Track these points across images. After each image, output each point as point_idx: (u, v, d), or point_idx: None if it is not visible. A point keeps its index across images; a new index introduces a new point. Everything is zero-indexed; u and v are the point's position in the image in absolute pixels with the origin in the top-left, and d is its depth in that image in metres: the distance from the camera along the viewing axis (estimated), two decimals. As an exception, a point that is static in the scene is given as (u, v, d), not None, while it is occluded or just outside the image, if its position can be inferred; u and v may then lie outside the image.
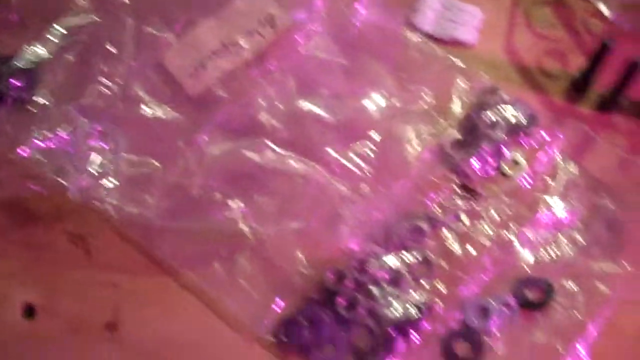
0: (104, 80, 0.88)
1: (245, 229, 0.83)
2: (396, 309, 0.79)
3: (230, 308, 0.81)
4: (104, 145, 0.86)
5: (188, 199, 0.84)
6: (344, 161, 0.86)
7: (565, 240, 0.83)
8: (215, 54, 0.91)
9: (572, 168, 0.87)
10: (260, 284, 0.82)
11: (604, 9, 0.91)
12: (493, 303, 0.80)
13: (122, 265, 0.84)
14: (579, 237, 0.83)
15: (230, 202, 0.84)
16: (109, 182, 0.84)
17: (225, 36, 0.91)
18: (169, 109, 0.88)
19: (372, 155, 0.86)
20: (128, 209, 0.83)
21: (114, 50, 0.90)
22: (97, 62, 0.89)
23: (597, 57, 0.88)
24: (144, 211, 0.83)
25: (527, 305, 0.80)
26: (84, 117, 0.87)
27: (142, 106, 0.88)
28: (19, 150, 0.84)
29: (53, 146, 0.85)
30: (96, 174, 0.84)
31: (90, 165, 0.85)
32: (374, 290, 0.80)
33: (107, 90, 0.88)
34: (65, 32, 0.91)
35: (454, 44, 0.96)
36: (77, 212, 0.84)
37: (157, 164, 0.86)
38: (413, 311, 0.79)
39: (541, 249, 0.83)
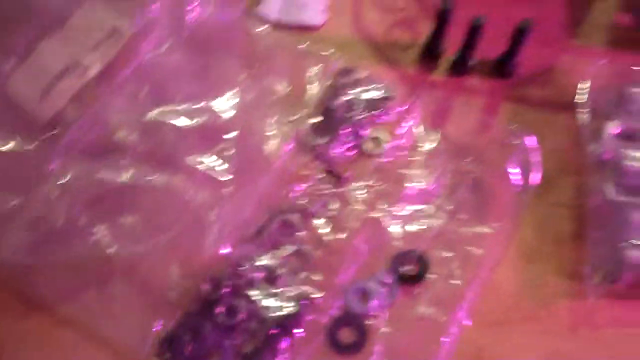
0: (-50, 121, 0.85)
1: (114, 252, 0.81)
2: (276, 308, 0.78)
3: (111, 336, 0.79)
4: (-44, 189, 0.83)
5: (52, 231, 0.81)
6: (205, 166, 0.84)
7: (434, 209, 0.84)
8: (61, 75, 0.88)
9: (433, 137, 0.87)
10: (137, 306, 0.80)
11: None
12: (371, 284, 0.80)
13: (-2, 313, 0.81)
14: (446, 204, 0.84)
15: (95, 228, 0.82)
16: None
17: (69, 55, 0.89)
18: (20, 139, 0.85)
19: (231, 154, 0.85)
20: (-10, 253, 0.81)
21: (-48, 87, 0.86)
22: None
23: (439, 22, 0.89)
24: (8, 251, 0.80)
25: (405, 280, 0.80)
26: None
27: (-6, 141, 0.85)
28: None
29: None
30: (-49, 218, 0.81)
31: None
32: (252, 292, 0.79)
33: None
34: None
35: (303, 29, 0.95)
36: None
37: (15, 200, 0.83)
38: (293, 306, 0.79)
39: (411, 222, 0.83)
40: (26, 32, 0.89)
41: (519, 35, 0.87)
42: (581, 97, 0.89)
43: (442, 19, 0.88)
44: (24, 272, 0.80)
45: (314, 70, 0.91)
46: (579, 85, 0.89)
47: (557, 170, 0.86)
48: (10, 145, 0.85)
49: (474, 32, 0.86)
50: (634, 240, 0.77)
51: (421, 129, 0.88)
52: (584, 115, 0.88)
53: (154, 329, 0.79)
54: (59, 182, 0.82)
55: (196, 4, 0.90)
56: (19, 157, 0.84)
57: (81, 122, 0.86)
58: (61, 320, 0.80)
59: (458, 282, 0.80)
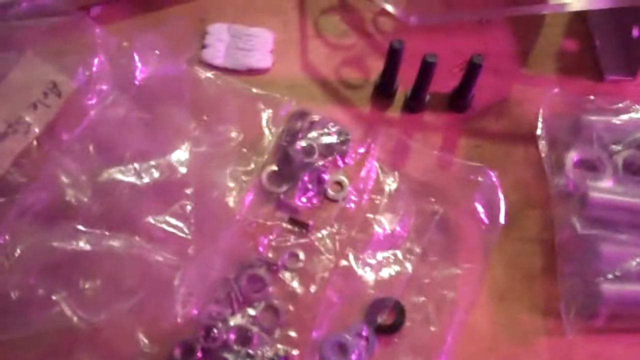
0: None
1: (75, 320, 0.76)
2: (253, 369, 0.76)
3: (78, 411, 0.75)
4: None
5: (6, 303, 0.77)
6: (163, 226, 0.81)
7: (402, 254, 0.82)
8: (1, 136, 0.83)
9: (394, 177, 0.86)
10: (105, 377, 0.77)
11: (388, 7, 0.90)
12: (348, 337, 0.78)
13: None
14: (415, 247, 0.83)
15: (53, 297, 0.77)
16: None
17: (8, 114, 0.85)
18: (-38, 208, 0.81)
19: (190, 211, 0.82)
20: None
21: None
22: None
23: (390, 60, 0.87)
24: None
25: (382, 330, 0.79)
26: None
27: None
28: None
29: None
30: None
31: None
32: (226, 355, 0.76)
33: None
34: None
35: (251, 72, 0.93)
36: None
37: (-38, 276, 0.78)
38: (270, 366, 0.76)
39: (382, 269, 0.82)
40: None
41: (472, 70, 0.86)
42: (538, 127, 0.89)
43: (393, 58, 0.86)
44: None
45: (265, 115, 0.89)
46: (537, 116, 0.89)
47: (521, 204, 0.86)
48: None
49: (426, 69, 0.85)
50: (607, 275, 0.77)
51: (381, 169, 0.86)
52: (543, 146, 0.88)
53: (126, 401, 0.75)
54: (10, 254, 0.78)
55: (139, 58, 0.87)
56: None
57: (31, 189, 0.81)
58: (24, 399, 0.76)
59: (434, 328, 0.79)
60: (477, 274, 0.82)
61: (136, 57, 0.86)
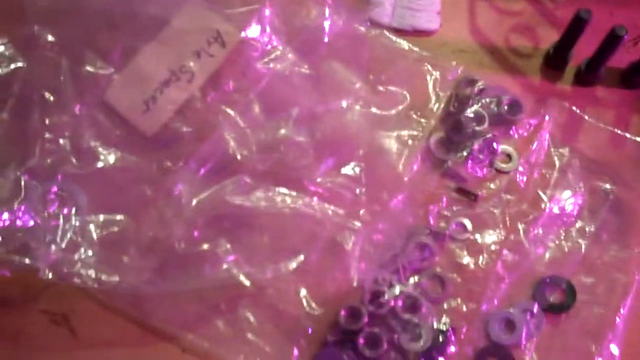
0: (48, 134, 0.79)
1: (241, 277, 0.75)
2: (420, 338, 0.75)
3: (245, 365, 0.75)
4: (65, 210, 0.77)
5: (172, 255, 0.76)
6: (331, 185, 0.79)
7: (574, 232, 0.80)
8: (164, 84, 0.82)
9: (565, 152, 0.83)
10: (270, 334, 0.76)
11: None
12: (516, 313, 0.76)
13: (114, 338, 0.76)
14: (587, 227, 0.80)
15: (219, 251, 0.76)
16: (81, 252, 0.76)
17: (172, 62, 0.83)
18: (126, 154, 0.80)
19: (360, 173, 0.80)
20: (108, 278, 0.75)
21: (52, 98, 0.80)
22: (37, 115, 0.80)
23: (572, 30, 0.84)
24: (126, 277, 0.75)
25: (551, 309, 0.77)
26: (35, 182, 0.77)
27: (98, 156, 0.79)
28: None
29: (9, 223, 0.75)
30: (64, 244, 0.76)
31: (56, 235, 0.76)
32: (393, 322, 0.75)
33: (54, 146, 0.79)
34: (-8, 86, 0.80)
35: (417, 33, 0.90)
36: (53, 288, 0.76)
37: (127, 219, 0.78)
38: (437, 337, 0.75)
39: (552, 245, 0.79)
40: (122, 38, 0.83)
41: (656, 45, 0.83)
42: None
43: (576, 28, 0.83)
44: (146, 299, 0.76)
45: (432, 78, 0.86)
46: None
47: (699, 189, 0.83)
48: (117, 159, 0.79)
49: (612, 41, 0.82)
50: None
51: (553, 143, 0.83)
52: None
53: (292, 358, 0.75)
54: (177, 203, 0.77)
55: (318, 13, 0.84)
56: (128, 173, 0.79)
57: (197, 141, 0.80)
58: (188, 349, 0.76)
59: (604, 310, 0.77)
60: (653, 259, 0.79)
61: (324, 13, 0.83)
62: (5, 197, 0.76)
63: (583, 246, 0.79)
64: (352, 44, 0.85)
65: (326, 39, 0.85)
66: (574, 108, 0.85)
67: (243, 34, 0.84)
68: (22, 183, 0.77)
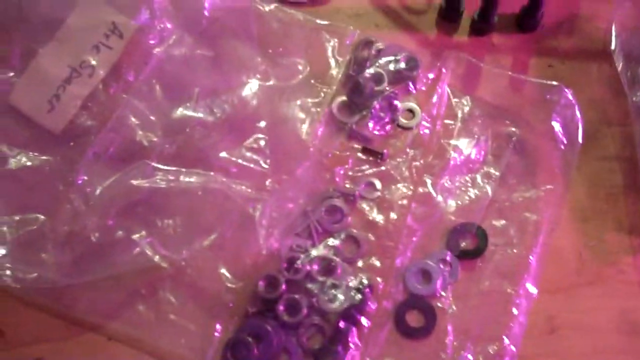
0: (-47, 144, 0.79)
1: (157, 258, 0.76)
2: (338, 299, 0.76)
3: (168, 347, 0.75)
4: (-22, 213, 0.78)
5: (88, 246, 0.77)
6: (239, 160, 0.80)
7: (481, 178, 0.81)
8: (66, 81, 0.83)
9: (466, 101, 0.85)
10: (192, 313, 0.77)
11: None
12: (431, 264, 0.78)
13: (41, 335, 0.77)
14: (492, 171, 0.81)
15: (134, 237, 0.77)
16: (-4, 252, 0.76)
17: (71, 59, 0.83)
18: (35, 154, 0.80)
19: (264, 145, 0.81)
20: (26, 275, 0.76)
21: (-48, 108, 0.81)
22: (-62, 126, 0.80)
23: (459, -18, 0.85)
24: (45, 272, 0.76)
25: (465, 255, 0.78)
26: (-57, 189, 0.78)
27: (7, 159, 0.80)
28: None
29: None
30: (-22, 248, 0.76)
31: (-30, 239, 0.76)
32: (311, 286, 0.76)
33: (-40, 154, 0.80)
34: None
35: (312, 3, 0.91)
36: (-24, 293, 0.77)
37: (42, 217, 0.78)
38: (355, 296, 0.76)
39: (460, 193, 0.81)
40: (19, 41, 0.83)
41: (543, -14, 0.84)
42: (612, 42, 0.86)
43: (461, -22, 0.84)
44: (67, 292, 0.76)
45: (330, 45, 0.87)
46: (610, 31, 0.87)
47: (599, 122, 0.85)
48: (27, 160, 0.80)
49: (497, -13, 0.83)
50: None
51: (453, 94, 0.85)
52: (618, 62, 0.85)
53: (215, 335, 0.75)
54: (90, 195, 0.78)
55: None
56: (38, 172, 0.80)
57: (104, 131, 0.81)
58: (114, 336, 0.76)
59: (517, 250, 0.79)
60: (558, 195, 0.81)
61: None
62: None
63: (490, 190, 0.81)
64: (239, 18, 0.86)
65: (206, 14, 0.85)
66: (470, 57, 0.86)
67: (137, 23, 0.84)
68: None
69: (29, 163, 0.80)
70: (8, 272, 0.75)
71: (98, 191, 0.77)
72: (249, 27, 0.85)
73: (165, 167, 0.79)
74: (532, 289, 0.77)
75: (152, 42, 0.84)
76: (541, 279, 0.77)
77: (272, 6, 0.88)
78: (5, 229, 0.78)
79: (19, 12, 0.83)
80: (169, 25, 0.84)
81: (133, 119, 0.81)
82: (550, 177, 0.81)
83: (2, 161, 0.80)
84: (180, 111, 0.82)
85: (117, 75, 0.84)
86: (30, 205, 0.79)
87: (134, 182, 0.78)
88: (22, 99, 0.82)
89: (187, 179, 0.78)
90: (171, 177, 0.78)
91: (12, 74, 0.82)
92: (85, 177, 0.78)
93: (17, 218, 0.78)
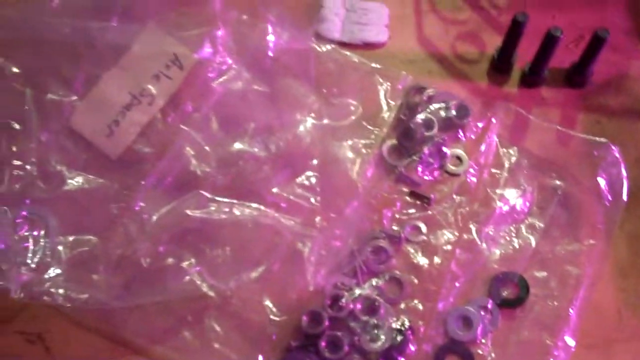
0: (15, 161, 0.82)
1: (205, 288, 0.79)
2: (379, 339, 0.78)
3: (211, 376, 0.78)
4: (35, 232, 0.80)
5: (139, 270, 0.79)
6: (290, 196, 0.82)
7: (525, 228, 0.83)
8: (126, 107, 0.86)
9: (513, 151, 0.86)
10: (235, 343, 0.79)
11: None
12: (472, 310, 0.79)
13: (87, 355, 0.79)
14: (537, 222, 0.83)
15: (183, 265, 0.80)
16: (50, 271, 0.79)
17: (132, 86, 0.86)
18: (92, 176, 0.83)
19: (315, 182, 0.83)
20: (78, 295, 0.78)
21: (18, 127, 0.84)
22: (4, 143, 0.83)
23: (511, 34, 0.87)
24: (96, 293, 0.78)
25: (506, 304, 0.80)
26: (4, 207, 0.80)
27: (64, 180, 0.83)
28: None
29: (-20, 247, 0.78)
30: (34, 265, 0.79)
31: (26, 257, 0.79)
32: (353, 324, 0.78)
33: (22, 172, 0.82)
34: (-41, 120, 0.84)
35: (367, 47, 0.93)
36: (28, 309, 0.79)
37: (95, 239, 0.81)
38: (397, 337, 0.78)
39: (504, 242, 0.82)
40: (84, 66, 0.87)
41: (595, 44, 0.86)
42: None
43: (515, 31, 0.86)
44: (115, 314, 0.78)
45: (383, 88, 0.89)
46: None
47: (644, 181, 0.86)
48: (84, 182, 0.83)
49: (550, 43, 0.85)
50: None
51: (501, 144, 0.87)
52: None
53: (256, 366, 0.78)
54: (146, 221, 0.81)
55: (268, 28, 0.88)
56: (94, 194, 0.83)
57: (158, 159, 0.83)
58: (158, 361, 0.78)
59: (558, 303, 0.80)
60: (599, 250, 0.82)
61: (267, 30, 0.87)
62: (-24, 224, 0.79)
63: (534, 242, 0.82)
64: (300, 59, 0.89)
65: (271, 55, 0.88)
66: (519, 109, 0.88)
67: (198, 56, 0.87)
68: (-7, 209, 0.80)
69: (85, 185, 0.83)
70: (61, 290, 0.78)
71: (155, 218, 0.79)
72: (308, 67, 0.87)
73: (219, 199, 0.81)
74: (571, 342, 0.78)
75: (210, 75, 0.87)
76: (580, 332, 0.79)
77: (329, 47, 0.90)
78: (61, 248, 0.80)
79: (87, 38, 0.86)
80: (229, 60, 0.87)
81: (189, 149, 0.84)
82: (593, 232, 0.83)
83: (61, 182, 0.83)
84: (235, 144, 0.84)
85: (175, 105, 0.86)
86: (84, 227, 0.82)
87: (189, 211, 0.80)
88: (83, 123, 0.85)
89: (239, 212, 0.81)
90: (224, 209, 0.81)
91: (75, 97, 0.85)
92: (143, 204, 0.80)
93: (71, 239, 0.81)
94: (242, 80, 0.87)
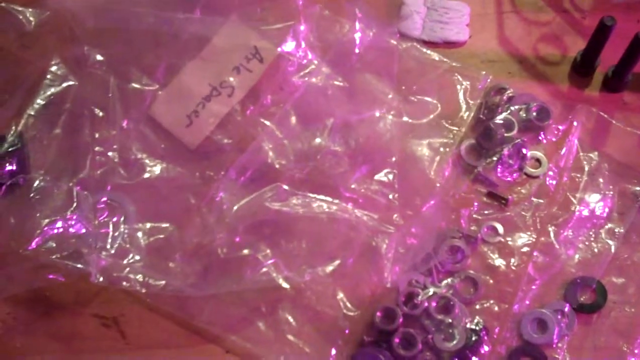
0: (98, 148, 0.84)
1: (280, 280, 0.79)
2: (454, 338, 0.77)
3: (285, 365, 0.78)
4: (115, 218, 0.82)
5: (215, 260, 0.80)
6: (366, 192, 0.82)
7: (604, 234, 0.82)
8: (206, 99, 0.86)
9: (594, 156, 0.85)
10: (309, 335, 0.79)
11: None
12: (548, 313, 0.78)
13: (161, 340, 0.80)
14: (616, 228, 0.82)
15: (259, 256, 0.80)
16: (128, 257, 0.80)
17: (212, 77, 0.87)
18: (171, 165, 0.85)
19: (393, 179, 0.83)
20: (155, 282, 0.79)
21: (101, 114, 0.85)
22: (87, 130, 0.85)
23: (597, 38, 0.86)
24: (172, 281, 0.79)
25: (583, 309, 0.79)
26: (86, 192, 0.82)
27: (144, 168, 0.84)
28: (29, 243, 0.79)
29: (62, 230, 0.80)
30: (113, 250, 0.80)
31: (106, 242, 0.80)
32: (427, 322, 0.78)
33: (104, 158, 0.84)
34: (45, 103, 0.85)
35: (447, 45, 0.93)
36: (103, 293, 0.81)
37: (173, 226, 0.82)
38: (471, 337, 0.77)
39: (582, 247, 0.82)
40: (166, 56, 0.88)
41: (682, 51, 0.84)
42: None
43: (601, 35, 0.85)
44: (191, 302, 0.79)
45: (462, 88, 0.89)
46: None
47: None
48: (162, 170, 0.84)
49: (636, 47, 0.84)
50: None
51: (581, 148, 0.86)
52: None
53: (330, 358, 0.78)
54: (219, 210, 0.81)
55: (349, 27, 0.88)
56: (172, 183, 0.84)
57: (237, 152, 0.84)
58: (232, 350, 0.79)
59: (636, 310, 0.79)
60: (681, 259, 0.81)
61: (355, 26, 0.87)
62: (59, 207, 0.81)
63: (613, 247, 0.81)
64: (383, 56, 0.89)
65: (357, 51, 0.89)
66: (601, 113, 0.87)
67: (279, 50, 0.88)
68: (74, 193, 0.82)
69: (164, 174, 0.84)
70: (139, 276, 0.79)
71: (235, 209, 0.80)
72: (391, 64, 0.88)
73: (297, 192, 0.82)
74: (647, 349, 0.77)
75: (290, 69, 0.88)
76: (657, 341, 0.78)
77: (409, 44, 0.90)
78: (139, 235, 0.82)
79: (170, 28, 0.88)
80: (310, 55, 0.88)
81: (266, 142, 0.84)
82: (675, 240, 0.82)
83: (141, 170, 0.84)
84: (313, 138, 0.85)
85: (254, 98, 0.87)
86: (162, 215, 0.83)
87: (268, 204, 0.81)
88: (162, 112, 0.86)
89: (316, 205, 0.81)
90: (302, 202, 0.81)
91: (156, 86, 0.87)
92: (223, 194, 0.81)
93: (148, 226, 0.82)
94: (322, 75, 0.87)
